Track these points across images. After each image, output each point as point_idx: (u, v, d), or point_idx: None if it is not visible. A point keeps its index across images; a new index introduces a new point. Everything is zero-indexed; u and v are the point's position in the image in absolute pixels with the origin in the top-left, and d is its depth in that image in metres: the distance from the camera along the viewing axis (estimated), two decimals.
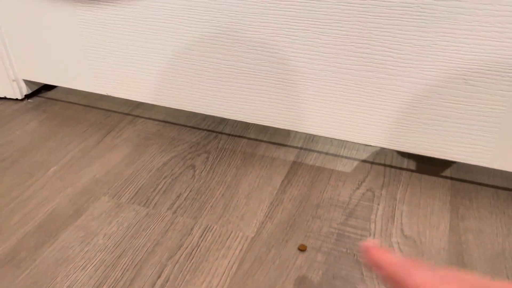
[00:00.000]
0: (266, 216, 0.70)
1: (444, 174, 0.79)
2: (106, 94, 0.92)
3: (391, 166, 0.81)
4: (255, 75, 0.78)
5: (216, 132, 0.91)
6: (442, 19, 0.63)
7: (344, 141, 0.87)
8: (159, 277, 0.59)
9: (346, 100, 0.74)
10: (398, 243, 0.65)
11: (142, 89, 0.88)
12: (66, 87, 1.01)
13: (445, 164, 0.82)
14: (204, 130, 0.91)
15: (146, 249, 0.63)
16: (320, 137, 0.89)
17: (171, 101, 0.87)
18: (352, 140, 0.78)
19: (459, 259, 0.62)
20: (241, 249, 0.64)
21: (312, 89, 0.76)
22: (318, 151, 0.85)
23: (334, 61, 0.72)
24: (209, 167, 0.81)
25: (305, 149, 0.86)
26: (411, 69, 0.68)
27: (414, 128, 0.73)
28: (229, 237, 0.66)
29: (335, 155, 0.84)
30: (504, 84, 0.64)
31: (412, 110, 0.71)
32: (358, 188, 0.76)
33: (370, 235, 0.66)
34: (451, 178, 0.78)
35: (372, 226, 0.68)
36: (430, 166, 0.81)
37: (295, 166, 0.81)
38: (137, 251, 0.63)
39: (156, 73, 0.85)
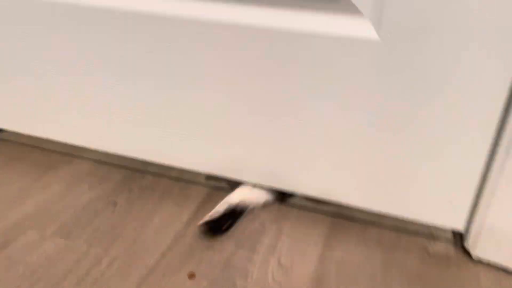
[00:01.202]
0: (168, 248, 0.82)
1: (326, 209, 0.92)
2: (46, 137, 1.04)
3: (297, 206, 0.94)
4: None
5: (142, 171, 1.03)
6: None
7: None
8: None
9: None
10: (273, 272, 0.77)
11: (78, 132, 1.00)
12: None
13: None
14: (132, 169, 1.04)
15: (58, 277, 0.75)
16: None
17: (101, 145, 0.99)
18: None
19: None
20: (140, 276, 0.75)
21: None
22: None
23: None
24: (129, 203, 0.93)
25: (218, 188, 0.99)
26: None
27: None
28: (131, 265, 0.77)
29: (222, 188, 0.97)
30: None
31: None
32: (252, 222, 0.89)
33: (253, 263, 0.78)
34: (333, 216, 0.91)
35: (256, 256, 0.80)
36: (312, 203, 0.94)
37: (204, 204, 0.94)
38: (50, 279, 0.74)
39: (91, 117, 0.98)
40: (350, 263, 0.79)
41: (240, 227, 0.86)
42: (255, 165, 0.88)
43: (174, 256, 0.79)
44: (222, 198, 0.94)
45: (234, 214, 0.87)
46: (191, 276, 0.75)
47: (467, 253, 0.81)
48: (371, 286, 0.74)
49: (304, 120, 0.79)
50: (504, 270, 0.77)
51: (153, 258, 0.79)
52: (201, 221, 0.83)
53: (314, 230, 0.86)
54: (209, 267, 0.77)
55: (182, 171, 1.03)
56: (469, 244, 0.80)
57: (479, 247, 0.78)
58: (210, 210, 0.90)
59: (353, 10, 0.68)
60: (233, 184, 0.95)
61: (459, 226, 0.79)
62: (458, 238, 0.84)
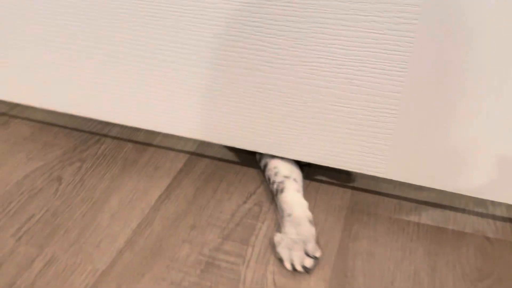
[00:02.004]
0: (127, 243, 0.59)
1: (346, 183, 0.70)
2: None
3: None
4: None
5: (100, 134, 0.79)
6: (318, 7, 0.52)
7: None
8: None
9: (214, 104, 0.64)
10: (273, 273, 0.56)
11: (18, 88, 0.76)
12: None
13: (349, 172, 0.72)
14: (85, 132, 0.80)
15: None
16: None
17: (47, 102, 0.75)
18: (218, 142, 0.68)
19: None
20: (85, 287, 0.54)
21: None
22: (211, 157, 0.75)
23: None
24: (78, 179, 0.69)
25: (198, 154, 0.75)
26: (288, 65, 0.57)
27: (300, 134, 0.62)
28: (75, 271, 0.55)
29: (230, 161, 0.74)
30: (393, 85, 0.54)
31: (296, 113, 0.61)
32: (245, 202, 0.66)
33: (243, 264, 0.57)
34: (353, 188, 0.69)
35: (249, 251, 0.58)
36: (331, 173, 0.71)
37: (181, 176, 0.71)
38: None
39: (31, 69, 0.73)
40: (381, 258, 0.57)
41: (227, 208, 0.64)
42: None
43: (136, 254, 0.57)
44: (204, 167, 0.71)
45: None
46: None
47: None
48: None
49: None
50: None
51: (106, 259, 0.57)
52: None
53: (328, 211, 0.64)
54: (183, 270, 0.55)
55: (151, 134, 0.79)
56: None
57: None
58: (188, 184, 0.68)
59: None
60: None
61: None
62: None
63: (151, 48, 0.63)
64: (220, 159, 0.74)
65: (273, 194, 0.65)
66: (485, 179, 0.58)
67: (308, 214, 0.60)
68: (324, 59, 0.55)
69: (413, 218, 0.63)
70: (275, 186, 0.64)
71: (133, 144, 0.77)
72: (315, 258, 0.55)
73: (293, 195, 0.62)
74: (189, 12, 0.58)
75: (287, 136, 0.63)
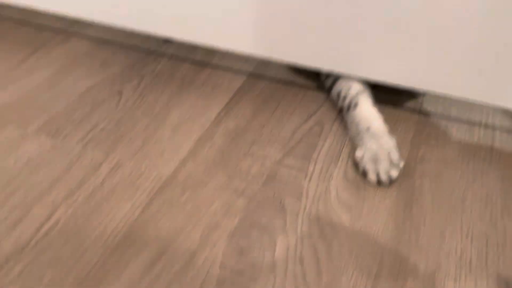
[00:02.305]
0: (190, 153, 0.60)
1: (412, 106, 0.67)
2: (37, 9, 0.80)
3: None
4: None
5: (157, 53, 0.79)
6: None
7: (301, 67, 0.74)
8: (48, 219, 0.51)
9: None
10: (337, 187, 0.55)
11: (78, 2, 0.75)
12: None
13: (415, 95, 0.69)
14: (143, 50, 0.79)
15: (42, 187, 0.55)
16: (275, 61, 0.76)
17: (107, 17, 0.74)
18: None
19: (406, 209, 0.52)
20: (151, 191, 0.54)
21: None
22: (269, 78, 0.73)
23: None
24: (138, 94, 0.70)
25: (256, 75, 0.74)
26: None
27: (374, 51, 0.59)
28: (140, 176, 0.56)
29: (289, 82, 0.72)
30: None
31: (370, 29, 0.57)
32: (305, 122, 0.64)
33: (305, 178, 0.56)
34: (420, 112, 0.66)
35: (311, 167, 0.58)
36: (396, 97, 0.68)
37: (239, 95, 0.70)
38: (31, 189, 0.55)
39: None
40: (450, 179, 0.55)
41: (288, 127, 0.63)
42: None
43: (199, 165, 0.58)
44: (263, 87, 0.70)
45: None
46: None
47: None
48: None
49: None
50: None
51: (170, 167, 0.58)
52: None
53: (393, 132, 0.62)
54: (246, 180, 0.55)
55: (208, 54, 0.78)
56: None
57: None
58: (247, 103, 0.67)
59: None
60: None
61: None
62: None
63: None
64: (278, 81, 0.72)
65: (343, 111, 0.63)
66: None
67: (386, 127, 0.59)
68: None
69: (486, 142, 0.60)
70: (347, 101, 0.62)
71: (190, 64, 0.76)
72: (399, 168, 0.55)
73: (369, 109, 0.60)
74: None
75: (359, 53, 0.60)
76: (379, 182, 0.54)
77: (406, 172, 0.56)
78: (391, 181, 0.54)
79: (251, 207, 0.52)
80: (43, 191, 0.54)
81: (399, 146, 0.59)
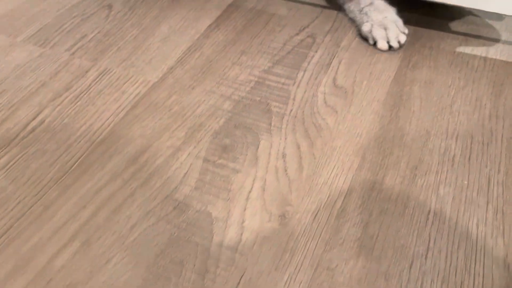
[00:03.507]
0: (178, 61, 0.59)
1: (408, 19, 0.64)
2: None
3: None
4: None
5: None
6: None
7: None
8: (34, 119, 0.51)
9: None
10: (324, 93, 0.54)
11: None
12: None
13: (411, 6, 0.66)
14: None
15: (28, 90, 0.55)
16: None
17: None
18: None
19: (393, 111, 0.51)
20: (137, 94, 0.54)
21: None
22: None
23: None
24: (128, 7, 0.68)
25: None
26: None
27: None
28: (127, 81, 0.56)
29: None
30: None
31: None
32: (297, 34, 0.63)
33: (294, 84, 0.55)
34: (415, 24, 0.64)
35: (300, 74, 0.57)
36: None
37: (231, 9, 0.68)
38: (17, 92, 0.55)
39: None
40: (441, 85, 0.54)
41: (278, 39, 0.61)
42: None
43: (186, 72, 0.57)
44: (255, 2, 0.68)
45: None
46: None
47: None
48: None
49: None
50: None
51: (157, 73, 0.57)
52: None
53: None
54: (233, 86, 0.55)
55: None
56: None
57: None
58: (238, 16, 0.65)
59: None
60: None
61: None
62: None
63: None
64: None
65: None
66: None
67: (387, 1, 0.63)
68: None
69: (480, 52, 0.58)
70: None
71: None
72: (406, 34, 0.59)
73: None
74: None
75: None
76: (390, 48, 0.59)
77: (396, 79, 0.55)
78: (401, 46, 0.59)
79: (237, 109, 0.52)
80: (29, 94, 0.54)
81: (391, 56, 0.58)
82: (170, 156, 0.47)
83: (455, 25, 0.63)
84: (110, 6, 0.68)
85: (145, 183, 0.45)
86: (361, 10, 0.61)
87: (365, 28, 0.60)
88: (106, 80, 0.56)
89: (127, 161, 0.47)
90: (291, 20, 0.65)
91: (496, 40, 0.60)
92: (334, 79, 0.56)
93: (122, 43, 0.61)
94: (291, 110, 0.52)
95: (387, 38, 0.58)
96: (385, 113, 0.51)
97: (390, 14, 0.59)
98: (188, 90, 0.55)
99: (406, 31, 0.59)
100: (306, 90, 0.54)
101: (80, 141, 0.49)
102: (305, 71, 0.57)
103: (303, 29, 0.64)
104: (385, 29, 0.59)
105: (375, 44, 0.59)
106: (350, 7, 0.63)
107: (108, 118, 0.51)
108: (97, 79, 0.56)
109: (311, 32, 0.63)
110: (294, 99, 0.53)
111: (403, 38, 0.58)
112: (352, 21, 0.64)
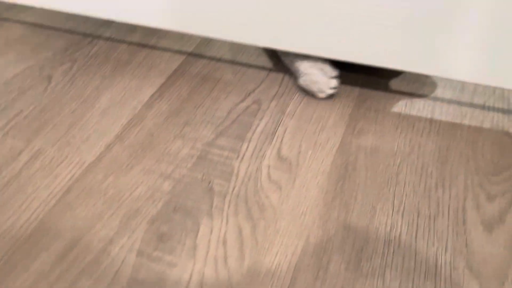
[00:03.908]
0: (117, 137, 0.56)
1: (355, 80, 0.64)
2: None
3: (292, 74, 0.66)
4: None
5: (93, 36, 0.75)
6: None
7: (243, 45, 0.71)
8: None
9: None
10: (268, 166, 0.52)
11: None
12: None
13: (357, 69, 0.66)
14: (78, 34, 0.75)
15: None
16: (217, 41, 0.73)
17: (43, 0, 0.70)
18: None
19: (338, 185, 0.50)
20: (71, 178, 0.51)
21: None
22: (209, 57, 0.70)
23: None
24: (68, 78, 0.66)
25: (195, 55, 0.70)
26: None
27: (318, 26, 0.56)
28: (61, 163, 0.53)
29: (229, 62, 0.69)
30: None
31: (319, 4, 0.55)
32: (243, 101, 0.62)
33: (237, 158, 0.53)
34: (361, 86, 0.63)
35: (245, 146, 0.55)
36: (339, 71, 0.66)
37: (175, 76, 0.66)
38: None
39: None
40: (386, 152, 0.53)
41: (223, 107, 0.60)
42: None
43: (125, 149, 0.55)
44: (201, 68, 0.66)
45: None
46: None
47: None
48: None
49: None
50: None
51: (94, 152, 0.55)
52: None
53: (332, 107, 0.59)
54: (174, 163, 0.52)
55: (146, 35, 0.74)
56: None
57: None
58: (183, 84, 0.64)
59: None
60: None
61: None
62: None
63: None
64: (218, 59, 0.69)
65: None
66: None
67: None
68: None
69: (425, 114, 0.58)
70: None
71: (127, 45, 0.72)
72: (336, 77, 0.61)
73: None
74: None
75: (303, 28, 0.57)
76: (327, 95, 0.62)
77: (341, 147, 0.54)
78: (335, 88, 0.61)
79: (176, 190, 0.50)
80: None
81: (337, 122, 0.57)
82: (101, 251, 0.44)
83: (400, 85, 0.63)
84: (49, 78, 0.66)
85: (72, 285, 0.41)
86: (292, 61, 0.64)
87: (300, 82, 0.62)
88: (39, 163, 0.53)
89: (54, 259, 0.43)
90: (237, 86, 0.64)
91: (441, 100, 0.60)
92: (279, 150, 0.54)
93: (59, 119, 0.59)
94: (234, 188, 0.50)
95: (321, 89, 0.60)
96: (330, 187, 0.49)
97: (318, 61, 0.61)
98: (126, 170, 0.52)
99: (335, 72, 0.60)
100: (250, 164, 0.52)
101: (5, 238, 0.45)
102: (249, 141, 0.55)
103: (249, 94, 0.62)
104: (316, 82, 0.60)
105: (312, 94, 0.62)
106: (285, 61, 0.66)
107: (37, 209, 0.48)
108: (29, 162, 0.53)
109: (257, 98, 0.62)
110: (237, 175, 0.51)
111: (334, 83, 0.60)
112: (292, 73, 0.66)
